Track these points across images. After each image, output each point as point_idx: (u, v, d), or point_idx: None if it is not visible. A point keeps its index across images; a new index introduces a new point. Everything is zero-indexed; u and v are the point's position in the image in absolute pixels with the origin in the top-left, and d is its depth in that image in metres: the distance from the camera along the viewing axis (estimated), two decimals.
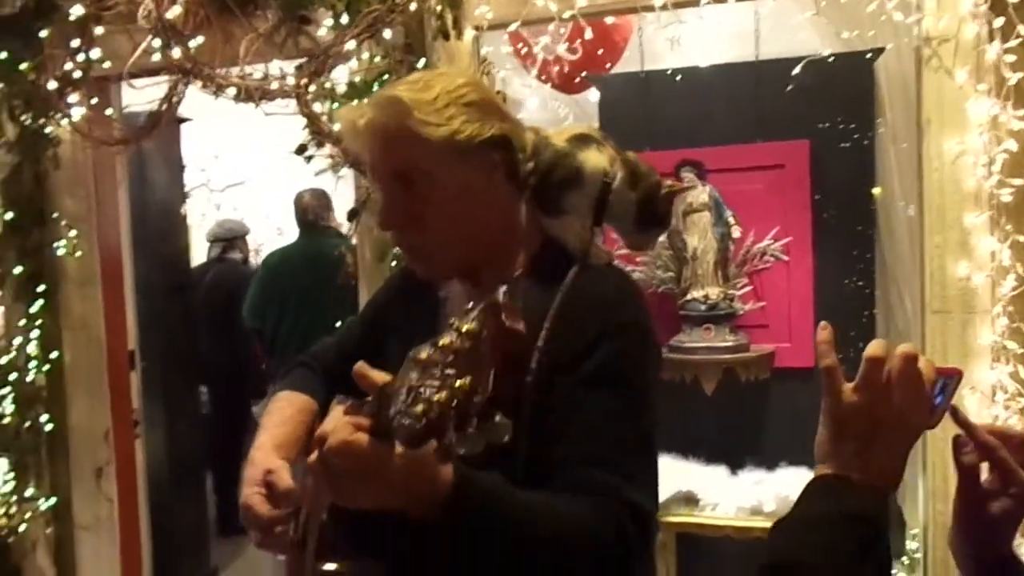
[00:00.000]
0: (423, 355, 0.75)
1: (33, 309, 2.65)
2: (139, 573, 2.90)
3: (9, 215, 2.62)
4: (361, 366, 0.85)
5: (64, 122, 2.55)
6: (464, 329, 0.73)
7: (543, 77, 2.99)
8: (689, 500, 2.74)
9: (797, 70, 2.45)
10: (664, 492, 2.72)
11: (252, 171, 5.25)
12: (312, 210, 4.06)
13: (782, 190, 2.88)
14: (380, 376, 0.82)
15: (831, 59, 2.55)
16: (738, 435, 2.92)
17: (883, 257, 2.81)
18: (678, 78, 2.79)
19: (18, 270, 2.64)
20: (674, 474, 2.73)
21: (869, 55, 2.60)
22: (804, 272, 2.91)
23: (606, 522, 0.97)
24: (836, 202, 2.86)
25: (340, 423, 0.84)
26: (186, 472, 3.80)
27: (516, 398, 0.75)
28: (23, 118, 2.53)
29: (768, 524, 2.99)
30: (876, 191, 2.80)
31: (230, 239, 4.75)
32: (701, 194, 2.86)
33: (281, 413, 1.21)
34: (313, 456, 0.86)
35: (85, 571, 2.78)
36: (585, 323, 1.07)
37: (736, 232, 2.87)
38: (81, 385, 2.76)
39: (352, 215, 2.48)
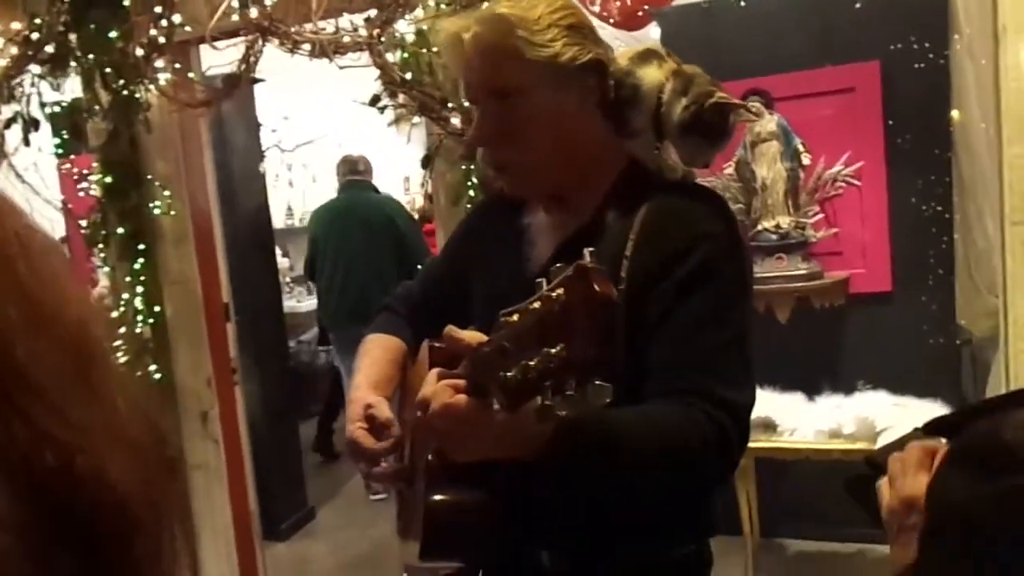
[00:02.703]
0: (514, 318, 0.77)
1: (136, 266, 2.82)
2: (247, 509, 3.10)
3: (108, 179, 2.77)
4: (451, 329, 0.89)
5: (152, 87, 2.68)
6: (554, 294, 0.74)
7: (604, 14, 2.99)
8: (767, 426, 2.78)
9: None
10: None
11: (319, 130, 5.40)
12: (345, 164, 4.25)
13: (853, 114, 2.85)
14: (472, 336, 0.86)
15: None
16: (814, 362, 2.94)
17: (960, 178, 2.76)
18: (743, 4, 2.77)
19: (120, 230, 2.80)
20: None
21: None
22: (878, 197, 2.88)
23: (704, 426, 0.99)
24: (910, 125, 2.81)
25: (439, 388, 0.89)
26: (280, 418, 4.01)
27: (613, 363, 0.76)
28: (115, 85, 2.66)
29: (848, 446, 3.00)
30: (955, 114, 2.73)
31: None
32: (768, 123, 2.86)
33: (371, 355, 1.27)
34: (419, 417, 0.92)
35: (199, 507, 2.99)
36: (673, 233, 1.09)
37: (806, 159, 2.86)
38: (183, 336, 2.93)
39: (426, 162, 2.56)
